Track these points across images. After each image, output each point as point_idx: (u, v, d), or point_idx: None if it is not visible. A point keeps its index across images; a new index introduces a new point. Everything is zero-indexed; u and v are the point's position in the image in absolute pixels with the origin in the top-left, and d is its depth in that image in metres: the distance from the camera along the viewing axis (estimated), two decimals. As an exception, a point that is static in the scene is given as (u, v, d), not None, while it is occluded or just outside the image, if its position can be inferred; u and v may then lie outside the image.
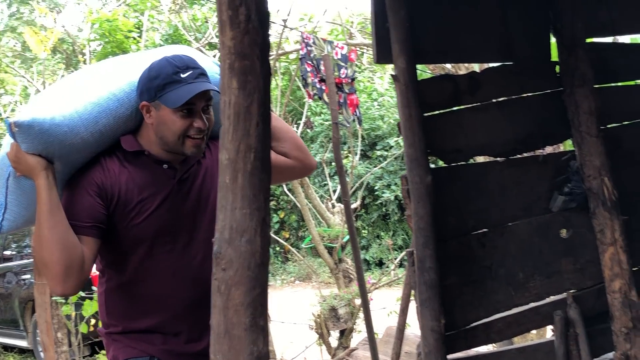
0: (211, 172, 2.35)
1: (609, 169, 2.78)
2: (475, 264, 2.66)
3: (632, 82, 3.25)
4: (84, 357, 5.94)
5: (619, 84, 3.13)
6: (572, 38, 2.75)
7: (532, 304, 2.79)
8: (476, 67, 4.86)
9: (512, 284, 2.70)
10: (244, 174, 1.05)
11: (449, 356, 2.59)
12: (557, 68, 2.80)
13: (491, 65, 2.89)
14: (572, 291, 2.82)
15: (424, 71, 6.40)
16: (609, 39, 3.15)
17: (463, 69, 5.28)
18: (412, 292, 2.60)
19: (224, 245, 1.07)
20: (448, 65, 5.67)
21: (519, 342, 3.80)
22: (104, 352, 4.29)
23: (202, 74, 2.20)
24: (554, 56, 2.85)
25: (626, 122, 3.06)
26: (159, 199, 2.25)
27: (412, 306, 2.55)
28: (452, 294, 2.60)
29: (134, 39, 13.42)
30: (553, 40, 2.85)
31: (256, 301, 1.05)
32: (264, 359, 1.01)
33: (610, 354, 2.86)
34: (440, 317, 2.52)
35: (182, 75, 2.17)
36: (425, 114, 2.50)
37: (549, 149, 3.20)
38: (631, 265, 2.84)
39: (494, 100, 2.74)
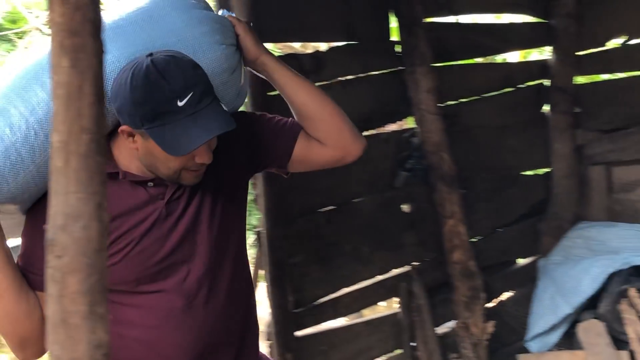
0: (217, 178, 1.75)
1: (448, 145, 2.89)
2: (323, 241, 2.70)
3: (468, 61, 3.40)
4: None
5: (456, 63, 3.26)
6: (411, 18, 2.83)
7: (378, 278, 2.87)
8: (325, 46, 4.90)
9: (358, 259, 2.76)
10: (78, 157, 0.98)
11: (299, 332, 2.62)
12: (398, 47, 2.88)
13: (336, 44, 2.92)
14: (415, 263, 2.93)
15: (274, 51, 6.40)
16: (451, 19, 3.26)
17: (311, 48, 5.31)
18: (261, 272, 2.60)
19: (58, 232, 1.00)
20: (298, 45, 5.68)
21: (369, 314, 3.91)
22: None
23: (205, 89, 1.55)
24: (396, 36, 2.92)
25: (463, 100, 3.20)
26: (141, 230, 1.68)
27: (262, 286, 2.55)
28: (300, 271, 2.63)
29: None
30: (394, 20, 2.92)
31: (94, 288, 0.99)
32: (104, 348, 0.96)
33: (452, 322, 3.00)
34: (289, 295, 2.54)
35: (180, 104, 1.51)
36: (269, 93, 2.49)
37: (392, 127, 3.29)
38: (469, 236, 2.99)
39: (338, 79, 2.77)
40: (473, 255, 2.95)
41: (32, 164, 1.59)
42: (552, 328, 2.91)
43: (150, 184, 1.67)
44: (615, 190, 3.51)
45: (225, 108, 1.57)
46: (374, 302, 3.02)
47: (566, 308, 2.85)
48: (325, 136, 1.80)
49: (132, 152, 1.62)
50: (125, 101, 1.53)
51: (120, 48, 1.59)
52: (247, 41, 1.78)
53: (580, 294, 2.84)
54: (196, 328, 1.70)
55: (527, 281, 3.35)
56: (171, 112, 1.51)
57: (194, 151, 1.54)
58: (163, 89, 1.50)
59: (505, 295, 3.39)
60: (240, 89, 1.81)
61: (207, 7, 1.76)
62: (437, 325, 2.95)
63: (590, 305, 2.89)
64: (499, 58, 4.24)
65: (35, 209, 1.69)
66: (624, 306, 2.74)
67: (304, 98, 1.80)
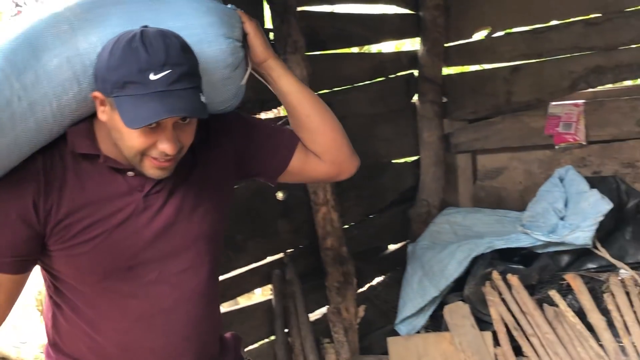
0: (203, 175, 1.65)
1: (321, 133, 2.92)
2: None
3: (341, 51, 3.44)
4: None
5: (329, 52, 3.29)
6: (284, 6, 2.83)
7: (252, 265, 2.87)
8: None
9: (231, 247, 2.74)
10: None
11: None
12: (271, 35, 2.87)
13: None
14: (288, 251, 2.95)
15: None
16: (325, 9, 3.29)
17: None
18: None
19: None
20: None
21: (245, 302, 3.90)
22: None
23: (186, 73, 1.43)
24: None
25: (336, 89, 3.24)
26: (114, 222, 1.57)
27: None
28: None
29: None
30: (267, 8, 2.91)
31: None
32: None
33: (324, 308, 3.04)
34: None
35: (152, 77, 1.41)
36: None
37: (267, 115, 3.28)
38: (342, 223, 3.04)
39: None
40: (344, 241, 3.00)
41: (11, 131, 1.49)
42: (420, 311, 3.00)
43: (130, 173, 1.56)
44: (480, 177, 3.67)
45: (203, 99, 1.45)
46: (248, 290, 3.02)
47: (433, 291, 2.95)
48: (324, 150, 1.73)
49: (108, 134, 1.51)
50: (101, 65, 1.45)
51: (122, 25, 1.49)
52: (256, 41, 1.68)
53: (446, 277, 2.95)
54: (168, 332, 1.62)
55: (397, 266, 3.45)
56: (141, 84, 1.40)
57: (158, 137, 1.44)
58: (140, 58, 1.41)
59: (376, 280, 3.47)
60: (239, 89, 1.70)
61: None
62: (311, 312, 2.99)
63: (456, 288, 3.01)
64: (376, 48, 4.32)
65: (5, 189, 1.54)
66: (487, 289, 2.86)
67: (308, 109, 1.72)
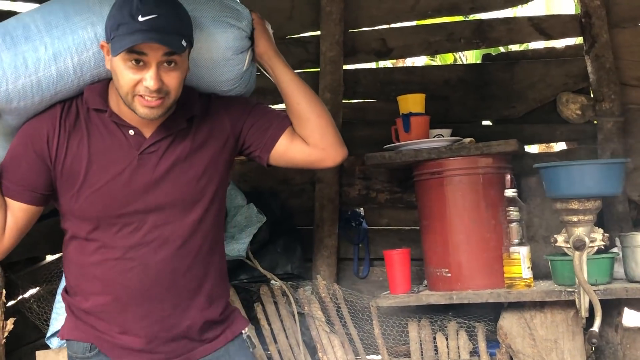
0: (198, 143, 1.93)
1: None
2: None
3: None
4: None
5: None
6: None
7: None
8: None
9: None
10: None
11: None
12: None
13: None
14: None
15: None
16: None
17: None
18: None
19: None
20: None
21: None
22: None
23: (172, 22, 1.74)
24: None
25: None
26: (112, 172, 1.86)
27: None
28: None
29: None
30: None
31: None
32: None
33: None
34: None
35: (140, 19, 1.70)
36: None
37: None
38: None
39: None
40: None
41: (34, 74, 1.81)
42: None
43: (131, 132, 1.87)
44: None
45: (184, 44, 1.75)
46: None
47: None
48: (309, 134, 2.01)
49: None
50: (109, 14, 1.78)
51: None
52: (260, 36, 2.03)
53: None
54: (143, 276, 1.89)
55: (54, 277, 3.31)
56: (129, 24, 1.70)
57: (143, 74, 1.73)
58: (133, 5, 1.71)
59: (30, 292, 3.30)
60: (243, 75, 2.03)
61: None
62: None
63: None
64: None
65: (28, 125, 1.88)
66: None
67: (298, 97, 2.02)
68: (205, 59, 1.91)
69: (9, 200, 1.87)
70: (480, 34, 3.50)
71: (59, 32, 1.82)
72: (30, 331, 3.17)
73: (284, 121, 2.03)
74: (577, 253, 2.52)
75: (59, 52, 1.82)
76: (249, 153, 2.05)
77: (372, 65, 4.08)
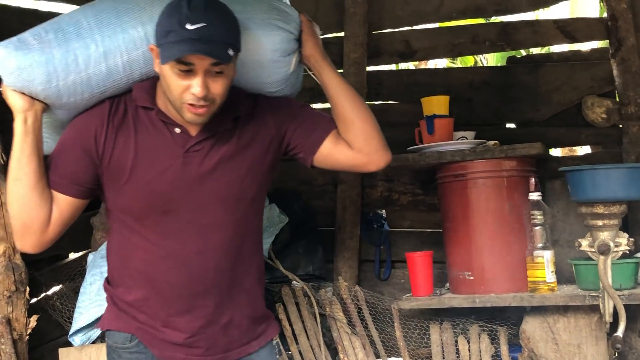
0: (243, 144, 1.95)
1: None
2: None
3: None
4: None
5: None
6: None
7: None
8: None
9: None
10: None
11: None
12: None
13: None
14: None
15: None
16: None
17: None
18: None
19: None
20: None
21: None
22: None
23: (219, 31, 1.74)
24: None
25: None
26: (158, 169, 1.89)
27: None
28: None
29: None
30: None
31: None
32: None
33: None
34: None
35: (189, 27, 1.72)
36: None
37: None
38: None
39: None
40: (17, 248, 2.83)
41: (84, 71, 1.84)
42: (97, 321, 2.91)
43: (177, 130, 1.89)
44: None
45: (231, 53, 1.75)
46: None
47: (112, 301, 2.90)
48: (353, 139, 2.01)
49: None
50: (158, 19, 1.81)
51: None
52: (308, 38, 2.04)
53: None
54: (187, 274, 1.92)
55: (77, 275, 3.33)
56: (179, 32, 1.72)
57: (190, 81, 1.75)
58: (182, 12, 1.73)
59: (53, 290, 3.33)
60: (290, 77, 2.04)
61: None
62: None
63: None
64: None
65: (77, 120, 1.92)
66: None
67: (343, 101, 2.02)
68: (253, 60, 1.92)
69: (54, 193, 1.90)
70: (505, 37, 3.48)
71: (110, 30, 1.85)
72: (53, 328, 3.18)
73: (329, 124, 2.04)
74: (601, 257, 2.50)
75: (109, 49, 1.85)
76: (294, 154, 2.06)
77: (395, 66, 4.07)
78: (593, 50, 3.53)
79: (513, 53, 3.77)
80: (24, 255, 2.84)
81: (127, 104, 1.91)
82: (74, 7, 3.47)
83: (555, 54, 3.70)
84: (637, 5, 3.26)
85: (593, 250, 2.53)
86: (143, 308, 1.97)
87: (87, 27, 1.84)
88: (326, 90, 2.07)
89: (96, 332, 2.95)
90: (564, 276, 2.94)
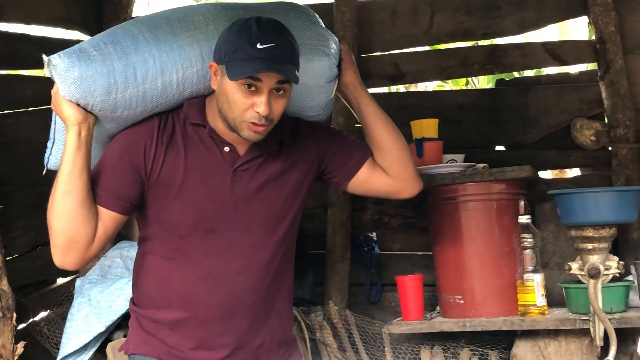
0: (287, 165, 1.97)
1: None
2: None
3: (15, 72, 3.27)
4: None
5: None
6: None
7: None
8: None
9: None
10: None
11: None
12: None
13: None
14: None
15: None
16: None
17: None
18: None
19: None
20: None
21: None
22: None
23: (287, 52, 1.79)
24: None
25: (7, 112, 3.07)
26: (207, 187, 1.89)
27: None
28: None
29: None
30: None
31: None
32: None
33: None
34: None
35: (259, 46, 1.75)
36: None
37: None
38: (4, 255, 2.84)
39: None
40: (5, 274, 2.81)
41: (141, 85, 1.84)
42: (85, 347, 2.90)
43: (227, 148, 1.90)
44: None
45: (297, 74, 1.79)
46: None
47: (99, 327, 2.87)
48: (390, 166, 2.06)
49: (215, 105, 1.87)
50: (220, 39, 1.83)
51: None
52: (348, 66, 2.09)
53: (114, 312, 2.89)
54: (228, 295, 1.90)
55: (64, 301, 3.30)
56: (248, 50, 1.74)
57: (254, 99, 1.77)
58: (252, 32, 1.76)
59: (40, 316, 3.30)
60: (328, 103, 2.09)
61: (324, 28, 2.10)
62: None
63: (124, 324, 2.95)
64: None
65: (125, 135, 1.89)
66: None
67: (381, 129, 2.06)
68: (301, 84, 1.91)
69: (99, 208, 1.85)
70: (493, 59, 3.50)
71: (167, 46, 1.86)
72: (41, 355, 3.15)
73: (366, 151, 2.07)
74: (592, 281, 2.49)
75: (165, 65, 1.86)
76: (328, 178, 2.09)
77: (385, 89, 4.08)
78: (582, 73, 3.55)
79: (503, 75, 3.77)
80: (10, 281, 2.82)
81: (175, 120, 1.91)
82: (64, 31, 3.52)
83: (544, 76, 3.72)
84: (625, 28, 3.28)
85: (583, 273, 2.53)
86: (176, 328, 1.92)
87: (144, 42, 1.85)
88: (363, 117, 2.10)
89: (84, 358, 2.93)
90: (554, 299, 2.92)
